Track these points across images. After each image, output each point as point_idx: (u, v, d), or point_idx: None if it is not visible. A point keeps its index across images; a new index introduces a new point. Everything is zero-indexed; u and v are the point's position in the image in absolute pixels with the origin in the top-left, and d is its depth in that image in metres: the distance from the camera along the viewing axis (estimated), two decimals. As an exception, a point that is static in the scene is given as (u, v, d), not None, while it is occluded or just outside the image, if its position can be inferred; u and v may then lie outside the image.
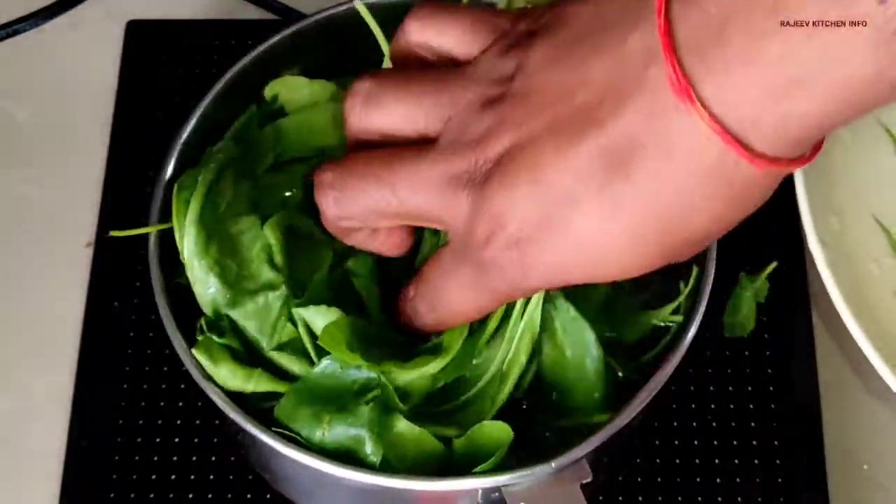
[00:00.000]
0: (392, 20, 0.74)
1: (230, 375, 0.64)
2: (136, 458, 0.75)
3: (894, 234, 0.80)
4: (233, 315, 0.65)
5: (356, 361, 0.62)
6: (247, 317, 0.65)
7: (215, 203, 0.66)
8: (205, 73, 0.88)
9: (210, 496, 0.74)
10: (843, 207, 0.79)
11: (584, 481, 0.62)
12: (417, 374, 0.64)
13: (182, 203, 0.66)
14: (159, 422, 0.76)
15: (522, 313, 0.65)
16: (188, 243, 0.65)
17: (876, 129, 0.82)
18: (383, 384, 0.63)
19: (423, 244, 0.69)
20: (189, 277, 0.66)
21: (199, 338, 0.65)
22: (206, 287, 0.65)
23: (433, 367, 0.64)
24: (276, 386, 0.64)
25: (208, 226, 0.66)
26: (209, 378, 0.64)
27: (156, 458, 0.75)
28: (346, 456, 0.63)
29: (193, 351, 0.64)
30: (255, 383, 0.64)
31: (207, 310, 0.66)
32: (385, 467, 0.62)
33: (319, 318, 0.64)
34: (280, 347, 0.65)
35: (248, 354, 0.66)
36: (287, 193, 0.70)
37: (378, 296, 0.67)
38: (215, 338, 0.64)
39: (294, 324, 0.65)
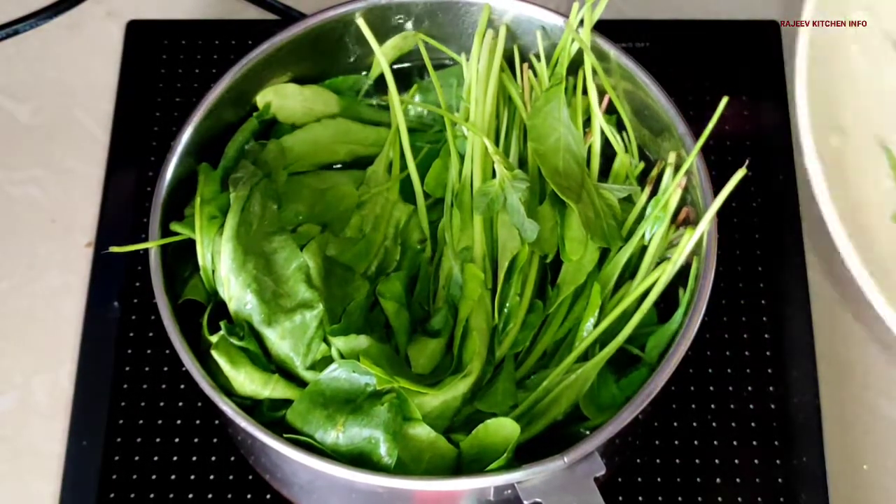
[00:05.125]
0: (386, 22, 0.75)
1: (248, 380, 0.64)
2: (136, 458, 0.75)
3: None
4: (267, 333, 0.65)
5: (394, 384, 0.63)
6: (282, 335, 0.65)
7: (248, 221, 0.67)
8: (205, 73, 0.88)
9: (210, 496, 0.74)
10: (846, 125, 0.73)
11: (597, 474, 0.62)
12: (448, 397, 0.64)
13: (207, 218, 0.67)
14: (159, 422, 0.76)
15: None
16: (226, 260, 0.66)
17: (884, 43, 0.76)
18: (399, 391, 0.64)
19: (444, 260, 0.70)
20: (224, 294, 0.66)
21: (214, 339, 0.65)
22: (243, 304, 0.66)
23: (461, 387, 0.65)
24: (291, 392, 0.65)
25: (244, 243, 0.66)
26: (220, 389, 0.64)
27: (156, 458, 0.75)
28: (360, 458, 0.63)
29: (212, 351, 0.64)
30: (272, 389, 0.65)
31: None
32: (399, 469, 0.63)
33: (353, 345, 0.65)
34: (313, 366, 0.65)
35: (266, 359, 0.66)
36: (300, 207, 0.70)
37: (408, 320, 0.68)
38: (235, 341, 0.65)
39: (328, 343, 0.65)
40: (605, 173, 0.74)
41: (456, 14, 0.75)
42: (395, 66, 0.76)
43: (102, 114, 0.87)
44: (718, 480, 0.75)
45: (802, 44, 0.71)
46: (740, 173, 0.65)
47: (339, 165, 0.75)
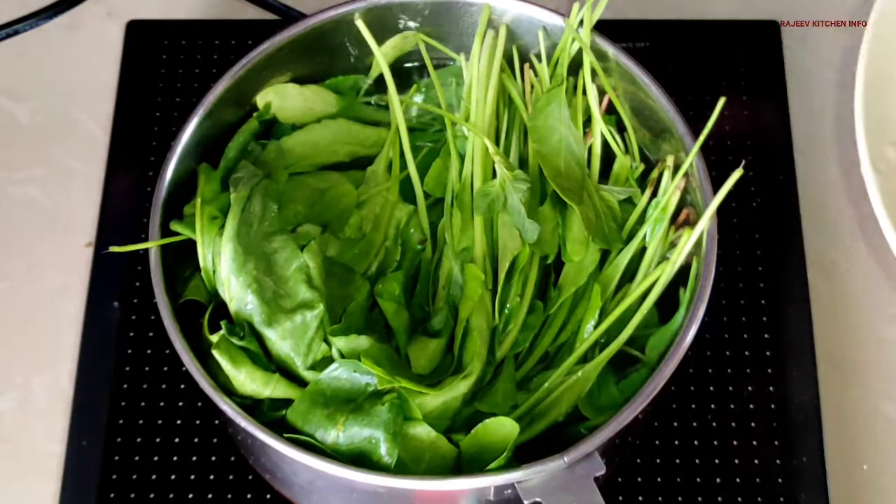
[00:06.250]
0: (385, 22, 0.75)
1: (248, 379, 0.64)
2: (136, 458, 0.75)
3: None
4: (268, 334, 0.65)
5: (394, 383, 0.63)
6: (283, 335, 0.65)
7: (249, 222, 0.67)
8: (205, 73, 0.88)
9: (210, 496, 0.74)
10: None
11: (597, 474, 0.62)
12: (449, 397, 0.65)
13: (208, 219, 0.67)
14: (159, 422, 0.76)
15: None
16: (226, 260, 0.66)
17: None
18: (400, 391, 0.64)
19: (444, 260, 0.70)
20: (224, 295, 0.67)
21: (215, 338, 0.65)
22: (244, 304, 0.66)
23: (461, 387, 0.65)
24: (292, 392, 0.65)
25: (244, 244, 0.66)
26: (220, 389, 0.64)
27: (156, 458, 0.75)
28: (361, 458, 0.63)
29: (213, 351, 0.64)
30: (272, 388, 0.65)
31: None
32: (400, 468, 0.63)
33: (353, 346, 0.65)
34: (313, 366, 0.65)
35: (267, 359, 0.66)
36: (300, 207, 0.70)
37: (407, 320, 0.68)
38: (235, 340, 0.65)
39: (329, 344, 0.65)
40: (605, 174, 0.74)
41: (456, 14, 0.75)
42: (396, 66, 0.76)
43: (102, 114, 0.87)
44: (718, 480, 0.75)
45: (860, 73, 0.78)
46: (737, 174, 0.65)
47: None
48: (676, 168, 0.71)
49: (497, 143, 0.74)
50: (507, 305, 0.68)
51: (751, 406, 0.77)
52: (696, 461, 0.76)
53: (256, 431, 0.62)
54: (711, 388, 0.78)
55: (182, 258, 0.69)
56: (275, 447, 0.62)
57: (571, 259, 0.69)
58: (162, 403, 0.77)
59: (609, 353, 0.67)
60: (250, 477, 0.75)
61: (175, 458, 0.75)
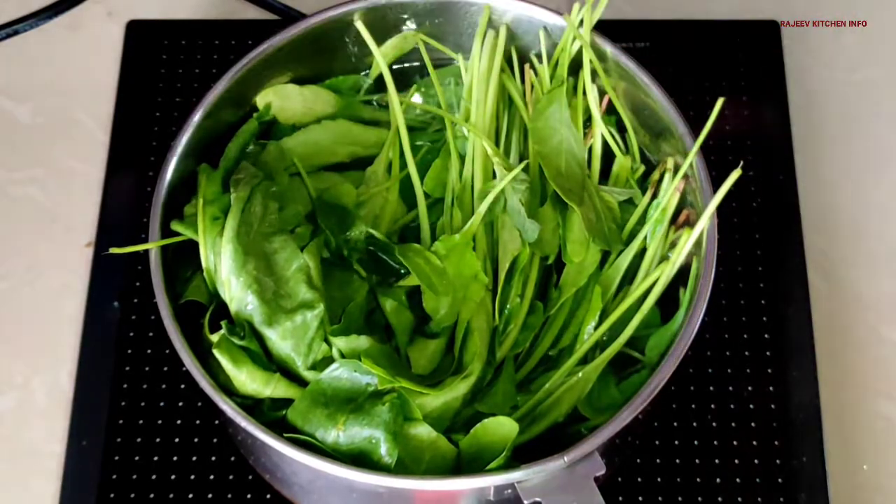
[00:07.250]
0: (385, 22, 0.75)
1: (249, 379, 0.64)
2: (136, 458, 0.75)
3: None
4: (268, 334, 0.65)
5: (395, 384, 0.63)
6: (283, 336, 0.65)
7: (249, 222, 0.67)
8: (205, 73, 0.88)
9: (210, 496, 0.74)
10: None
11: (597, 474, 0.62)
12: (450, 398, 0.65)
13: (209, 219, 0.67)
14: (159, 422, 0.76)
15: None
16: (226, 261, 0.66)
17: None
18: (400, 391, 0.64)
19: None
20: (225, 295, 0.66)
21: (215, 338, 0.65)
22: (244, 304, 0.66)
23: (462, 387, 0.65)
24: (293, 392, 0.65)
25: (244, 244, 0.66)
26: (220, 389, 0.64)
27: (156, 458, 0.75)
28: (361, 458, 0.63)
29: (214, 350, 0.64)
30: (273, 388, 0.65)
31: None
32: (400, 468, 0.63)
33: (353, 346, 0.65)
34: (314, 366, 0.65)
35: (267, 359, 0.66)
36: (300, 208, 0.70)
37: (408, 320, 0.68)
38: (236, 340, 0.65)
39: (329, 344, 0.65)
40: (605, 175, 0.74)
41: (456, 14, 0.75)
42: (395, 66, 0.76)
43: (102, 114, 0.87)
44: (718, 480, 0.75)
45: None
46: (735, 174, 0.65)
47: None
48: (677, 169, 0.71)
49: (497, 143, 0.74)
50: (508, 306, 0.68)
51: (751, 406, 0.77)
52: (696, 461, 0.76)
53: (256, 431, 0.62)
54: (711, 388, 0.78)
55: (182, 258, 0.69)
56: (275, 447, 0.62)
57: (572, 260, 0.69)
58: (162, 403, 0.77)
59: (609, 353, 0.67)
60: (250, 477, 0.75)
61: (175, 458, 0.75)
